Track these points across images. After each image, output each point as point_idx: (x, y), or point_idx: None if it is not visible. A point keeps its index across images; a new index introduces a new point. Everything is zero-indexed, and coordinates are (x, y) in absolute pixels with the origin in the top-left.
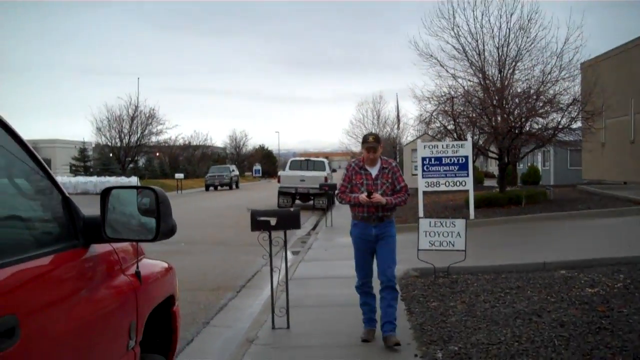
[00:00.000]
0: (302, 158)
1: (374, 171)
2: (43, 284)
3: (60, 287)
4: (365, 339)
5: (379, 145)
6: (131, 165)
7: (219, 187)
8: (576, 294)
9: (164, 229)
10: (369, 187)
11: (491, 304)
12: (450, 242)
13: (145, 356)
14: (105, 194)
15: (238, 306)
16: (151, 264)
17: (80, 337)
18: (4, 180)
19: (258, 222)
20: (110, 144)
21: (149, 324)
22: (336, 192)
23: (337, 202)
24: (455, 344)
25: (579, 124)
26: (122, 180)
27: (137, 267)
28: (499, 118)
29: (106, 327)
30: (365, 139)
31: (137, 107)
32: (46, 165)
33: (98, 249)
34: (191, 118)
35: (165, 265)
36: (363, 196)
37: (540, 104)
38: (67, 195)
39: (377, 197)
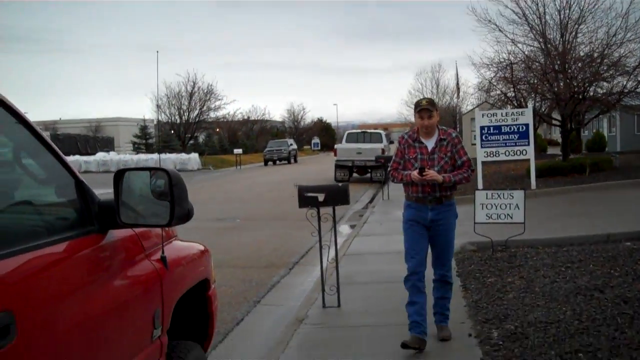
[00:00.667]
0: (359, 130)
1: (430, 143)
2: (50, 275)
3: (70, 277)
4: (410, 346)
5: (434, 110)
6: (191, 142)
7: (277, 162)
8: None
9: (179, 213)
10: (423, 162)
11: (551, 279)
12: (508, 214)
13: (177, 344)
14: (119, 176)
15: (290, 284)
16: (182, 247)
17: (96, 330)
18: (8, 162)
19: (305, 198)
20: (170, 120)
21: (181, 310)
22: (388, 169)
23: None
24: (512, 322)
25: None
26: (182, 156)
27: (163, 251)
28: (561, 83)
29: (125, 318)
30: (417, 104)
31: (194, 83)
32: (55, 147)
33: (117, 234)
34: (249, 93)
35: (200, 247)
36: (415, 173)
37: (605, 68)
38: (81, 178)
39: (432, 173)
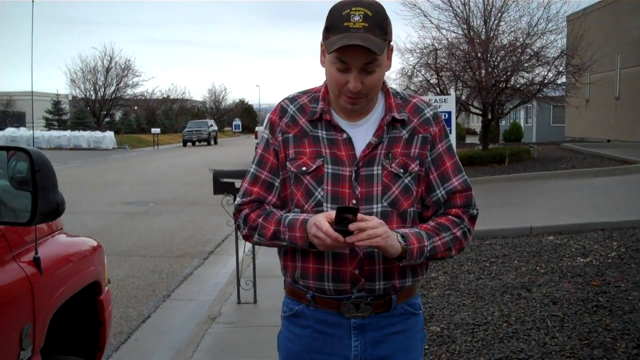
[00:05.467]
0: None
1: (359, 133)
2: None
3: None
4: None
5: (384, 47)
6: (107, 119)
7: (196, 143)
8: (567, 265)
9: (44, 208)
10: (342, 193)
11: (476, 275)
12: None
13: None
14: None
15: (204, 275)
16: (66, 243)
17: None
18: None
19: (221, 184)
20: (85, 96)
21: (63, 319)
22: (236, 201)
23: None
24: (438, 323)
25: (564, 79)
26: (97, 134)
27: (36, 251)
28: (483, 71)
29: None
30: (335, 22)
31: (112, 57)
32: None
33: None
34: (169, 71)
35: (91, 242)
36: (323, 221)
37: (526, 57)
38: None
39: (371, 225)
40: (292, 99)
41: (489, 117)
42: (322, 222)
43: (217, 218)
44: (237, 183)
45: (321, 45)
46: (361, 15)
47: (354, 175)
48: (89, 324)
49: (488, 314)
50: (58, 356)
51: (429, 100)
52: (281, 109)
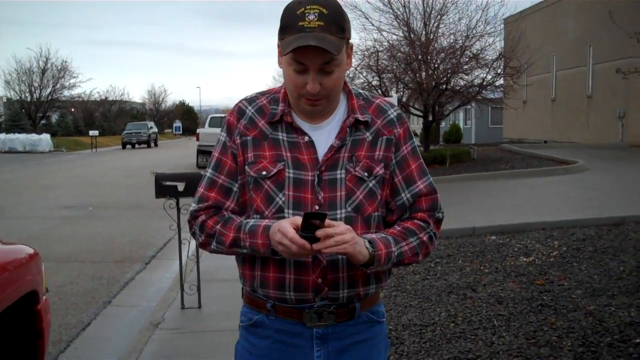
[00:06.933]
0: (223, 114)
1: (321, 135)
2: None
3: None
4: None
5: (341, 46)
6: (43, 122)
7: (136, 145)
8: (511, 264)
9: None
10: (304, 199)
11: (422, 276)
12: None
13: None
14: None
15: (146, 280)
16: (1, 252)
17: None
18: None
19: (163, 187)
20: (20, 98)
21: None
22: (192, 208)
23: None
24: (386, 325)
25: (502, 81)
26: (33, 137)
27: None
28: (424, 73)
29: None
30: (290, 20)
31: (47, 58)
32: None
33: None
34: (107, 72)
35: (27, 250)
36: (288, 229)
37: (466, 59)
38: None
39: (338, 231)
40: (250, 100)
41: (430, 118)
42: (287, 228)
43: (158, 222)
44: (180, 186)
45: (278, 46)
46: (316, 14)
47: (316, 179)
48: (26, 335)
49: (435, 315)
50: None
51: None
52: (239, 110)
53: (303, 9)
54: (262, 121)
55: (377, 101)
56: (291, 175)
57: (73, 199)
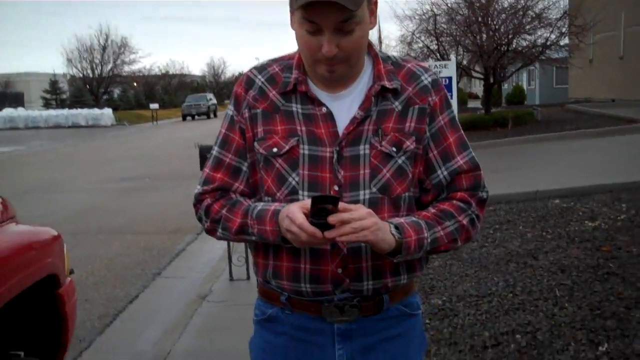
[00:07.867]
0: None
1: (342, 106)
2: None
3: None
4: None
5: (361, 2)
6: (105, 97)
7: (196, 117)
8: (575, 229)
9: None
10: (321, 179)
11: (479, 244)
12: None
13: None
14: None
15: (196, 251)
16: (17, 234)
17: None
18: None
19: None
20: (83, 75)
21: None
22: (196, 190)
23: None
24: (439, 296)
25: (567, 40)
26: (95, 112)
27: None
28: (484, 36)
29: None
30: None
31: (107, 36)
32: None
33: None
34: (166, 48)
35: (49, 232)
36: (297, 215)
37: (528, 19)
38: None
39: (356, 217)
40: (260, 68)
41: (491, 81)
42: (295, 213)
43: None
44: None
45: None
46: None
47: (335, 156)
48: (48, 319)
49: (492, 285)
50: (12, 356)
51: (428, 65)
52: (247, 80)
53: None
54: (274, 91)
55: (409, 65)
56: (306, 152)
57: (130, 171)
